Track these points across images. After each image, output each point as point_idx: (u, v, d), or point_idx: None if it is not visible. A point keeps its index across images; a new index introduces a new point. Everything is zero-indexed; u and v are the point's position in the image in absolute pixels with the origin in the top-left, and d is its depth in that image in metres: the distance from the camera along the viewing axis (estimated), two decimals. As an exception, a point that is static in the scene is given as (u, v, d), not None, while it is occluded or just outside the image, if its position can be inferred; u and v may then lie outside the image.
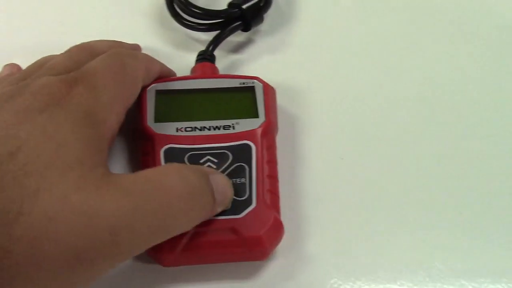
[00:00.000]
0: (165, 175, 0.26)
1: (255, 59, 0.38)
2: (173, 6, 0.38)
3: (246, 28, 0.38)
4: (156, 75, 0.33)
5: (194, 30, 0.38)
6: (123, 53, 0.31)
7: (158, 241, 0.25)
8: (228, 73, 0.37)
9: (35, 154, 0.22)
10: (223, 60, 0.37)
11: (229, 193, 0.29)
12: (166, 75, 0.34)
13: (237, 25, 0.37)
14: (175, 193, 0.25)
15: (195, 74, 0.35)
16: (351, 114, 0.36)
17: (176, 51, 0.38)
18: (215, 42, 0.37)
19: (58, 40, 0.33)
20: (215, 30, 0.37)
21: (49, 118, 0.24)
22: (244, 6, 0.37)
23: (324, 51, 0.38)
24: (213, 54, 0.36)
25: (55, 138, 0.23)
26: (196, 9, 0.37)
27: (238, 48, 0.39)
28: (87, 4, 0.41)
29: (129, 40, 0.36)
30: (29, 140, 0.23)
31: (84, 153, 0.24)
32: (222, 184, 0.28)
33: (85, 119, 0.25)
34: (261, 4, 0.38)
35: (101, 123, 0.27)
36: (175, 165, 0.28)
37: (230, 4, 0.38)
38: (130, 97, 0.30)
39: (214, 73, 0.35)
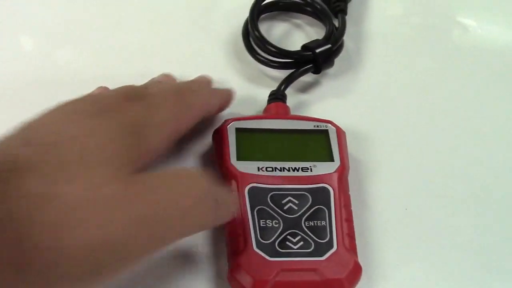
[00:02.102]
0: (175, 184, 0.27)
1: (321, 101, 0.39)
2: (250, 40, 0.40)
3: (316, 70, 0.39)
4: (214, 109, 0.35)
5: (267, 66, 0.40)
6: (185, 87, 0.34)
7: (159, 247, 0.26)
8: (297, 114, 0.38)
9: (74, 148, 0.24)
10: (290, 98, 0.39)
11: (232, 207, 0.30)
12: (224, 107, 0.36)
13: (309, 67, 0.39)
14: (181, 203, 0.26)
15: (270, 113, 0.37)
16: (416, 164, 0.37)
17: (246, 83, 0.40)
18: (287, 82, 0.38)
19: (137, 68, 0.34)
20: (286, 69, 0.39)
21: (98, 121, 0.26)
22: (317, 50, 0.38)
23: (388, 100, 0.40)
24: (285, 94, 0.38)
25: (95, 138, 0.25)
26: (271, 47, 0.39)
27: (305, 88, 0.40)
28: (167, 32, 0.42)
29: (203, 68, 0.38)
30: (71, 136, 0.25)
31: (116, 155, 0.26)
32: (226, 200, 0.30)
33: (130, 128, 0.27)
34: (333, 49, 0.39)
35: (146, 138, 0.28)
36: (185, 174, 0.28)
37: (304, 47, 0.39)
38: (182, 127, 0.32)
39: (287, 114, 0.37)
